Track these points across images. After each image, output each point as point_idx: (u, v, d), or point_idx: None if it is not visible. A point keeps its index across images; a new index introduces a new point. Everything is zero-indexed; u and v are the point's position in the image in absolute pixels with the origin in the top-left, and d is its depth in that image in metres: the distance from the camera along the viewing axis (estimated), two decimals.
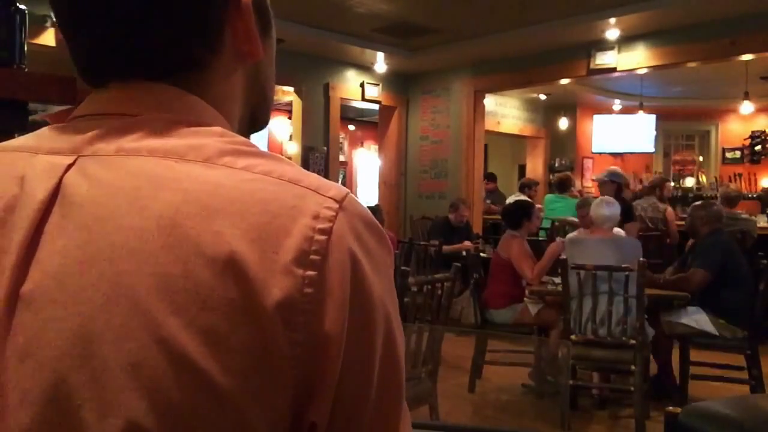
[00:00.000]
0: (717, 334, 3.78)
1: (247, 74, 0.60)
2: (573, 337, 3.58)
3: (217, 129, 0.52)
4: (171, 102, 0.54)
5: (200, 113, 0.54)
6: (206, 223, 0.45)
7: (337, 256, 0.46)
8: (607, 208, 3.92)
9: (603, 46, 6.23)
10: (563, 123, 9.77)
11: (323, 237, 0.46)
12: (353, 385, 0.48)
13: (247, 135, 0.63)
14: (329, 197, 0.48)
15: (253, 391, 0.43)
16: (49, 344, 0.43)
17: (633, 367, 3.43)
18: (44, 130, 0.55)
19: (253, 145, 0.52)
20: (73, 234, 0.46)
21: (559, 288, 3.73)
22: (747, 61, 6.38)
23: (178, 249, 0.44)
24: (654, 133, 9.65)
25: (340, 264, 0.46)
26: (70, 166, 0.49)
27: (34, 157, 0.51)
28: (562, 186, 7.05)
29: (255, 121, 0.64)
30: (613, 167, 6.05)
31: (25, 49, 1.29)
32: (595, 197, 4.88)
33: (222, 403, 0.43)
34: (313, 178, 0.50)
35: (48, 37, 4.92)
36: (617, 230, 4.07)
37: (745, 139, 10.08)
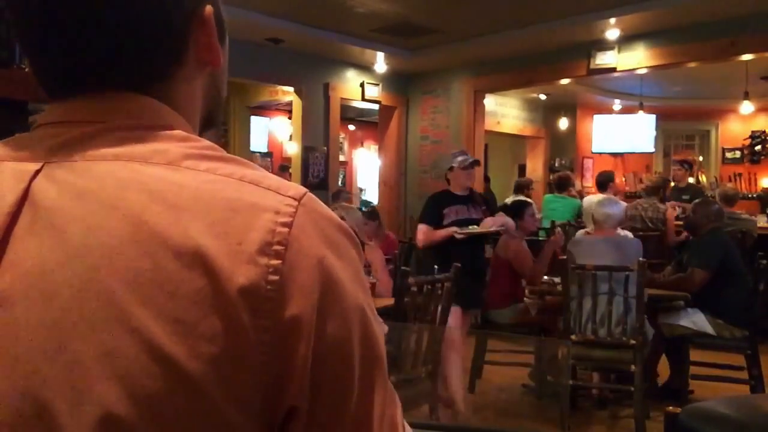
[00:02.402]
0: (715, 334, 3.78)
1: (205, 80, 0.63)
2: (573, 337, 3.58)
3: (180, 133, 0.55)
4: (136, 108, 0.56)
5: (165, 118, 0.56)
6: (173, 220, 0.47)
7: (299, 246, 0.49)
8: (608, 207, 3.91)
9: (603, 46, 6.23)
10: (563, 123, 9.76)
11: (285, 229, 0.49)
12: (334, 367, 0.50)
13: (201, 134, 0.66)
14: (288, 196, 0.51)
15: (222, 376, 0.45)
16: (22, 340, 0.45)
17: (633, 367, 3.43)
18: (10, 138, 0.56)
19: (217, 149, 0.54)
20: (44, 235, 0.48)
21: (559, 288, 3.73)
22: (747, 61, 6.37)
23: (146, 244, 0.46)
24: (654, 133, 9.64)
25: (303, 253, 0.49)
26: (37, 172, 0.51)
27: (1, 164, 0.52)
28: (561, 185, 7.04)
29: (210, 122, 0.67)
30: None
31: None
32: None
33: (193, 388, 0.45)
34: (273, 180, 0.52)
35: None
36: (624, 232, 4.06)
37: (745, 139, 10.07)
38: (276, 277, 0.47)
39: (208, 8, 0.59)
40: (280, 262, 0.48)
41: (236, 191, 0.50)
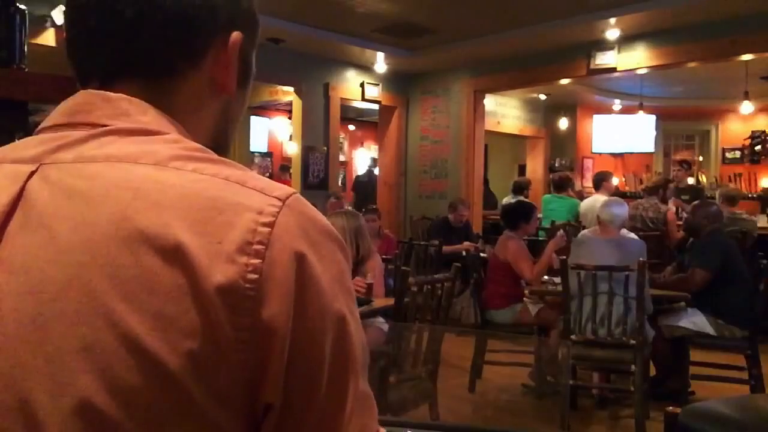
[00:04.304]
0: (716, 334, 3.78)
1: (217, 110, 0.64)
2: (573, 337, 3.58)
3: (172, 136, 0.56)
4: (134, 112, 0.57)
5: (161, 124, 0.57)
6: (155, 217, 0.48)
7: (280, 247, 0.49)
8: (615, 207, 3.91)
9: (603, 46, 6.23)
10: (563, 123, 9.77)
11: (266, 229, 0.49)
12: (305, 366, 0.50)
13: None
14: (273, 197, 0.51)
15: (201, 371, 0.46)
16: (7, 334, 0.46)
17: (633, 367, 3.43)
18: (14, 142, 0.59)
19: (206, 151, 0.55)
20: (34, 234, 0.49)
21: (559, 288, 3.73)
22: (747, 61, 6.37)
23: (128, 240, 0.47)
24: (654, 133, 9.65)
25: (284, 254, 0.49)
26: (32, 174, 0.52)
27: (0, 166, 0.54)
28: (560, 186, 7.05)
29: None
30: None
31: (25, 49, 1.29)
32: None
33: (170, 382, 0.46)
34: (259, 181, 0.53)
35: (48, 37, 4.92)
36: (624, 231, 4.06)
37: (745, 139, 10.07)
38: (255, 276, 0.48)
39: (237, 34, 0.62)
40: (260, 261, 0.48)
41: (220, 190, 0.51)
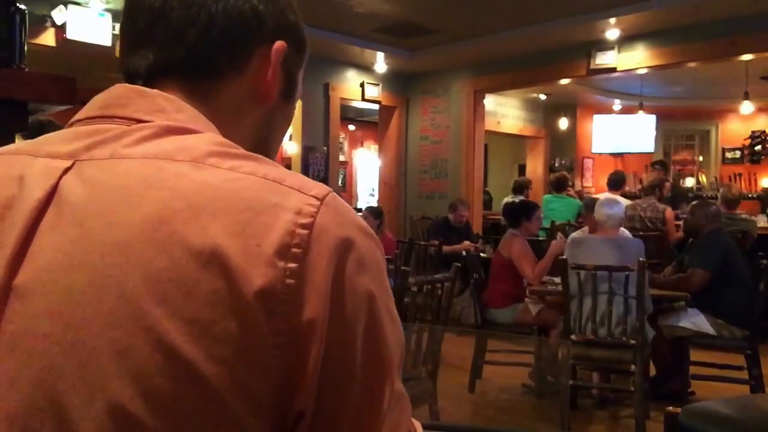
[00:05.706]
0: (716, 334, 3.78)
1: (258, 118, 0.64)
2: (573, 337, 3.58)
3: (208, 134, 0.55)
4: (170, 109, 0.56)
5: (197, 123, 0.57)
6: (192, 219, 0.47)
7: (318, 250, 0.48)
8: (608, 207, 3.91)
9: (603, 46, 6.23)
10: (563, 123, 9.76)
11: (305, 231, 0.48)
12: (338, 370, 0.49)
13: None
14: (311, 195, 0.50)
15: (236, 378, 0.45)
16: (39, 333, 0.45)
17: (633, 367, 3.43)
18: (47, 135, 0.57)
19: (240, 147, 0.54)
20: (66, 231, 0.48)
21: (560, 288, 3.72)
22: (747, 61, 6.37)
23: (165, 243, 0.46)
24: (654, 133, 9.64)
25: (321, 257, 0.48)
26: (67, 170, 0.51)
27: (34, 160, 0.53)
28: (559, 186, 7.07)
29: None
30: None
31: (25, 49, 1.28)
32: (596, 197, 4.89)
33: (206, 389, 0.45)
34: (296, 178, 0.52)
35: (48, 37, 4.92)
36: (622, 230, 4.06)
37: (745, 139, 10.07)
38: (292, 281, 0.47)
39: (281, 43, 0.62)
40: (297, 265, 0.47)
41: (258, 190, 0.49)
